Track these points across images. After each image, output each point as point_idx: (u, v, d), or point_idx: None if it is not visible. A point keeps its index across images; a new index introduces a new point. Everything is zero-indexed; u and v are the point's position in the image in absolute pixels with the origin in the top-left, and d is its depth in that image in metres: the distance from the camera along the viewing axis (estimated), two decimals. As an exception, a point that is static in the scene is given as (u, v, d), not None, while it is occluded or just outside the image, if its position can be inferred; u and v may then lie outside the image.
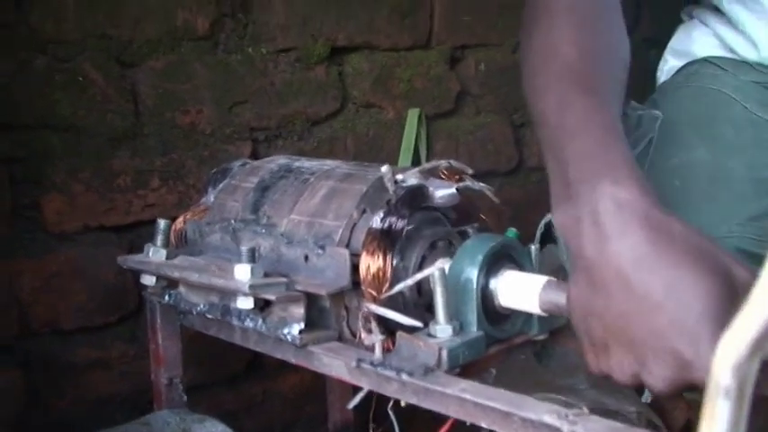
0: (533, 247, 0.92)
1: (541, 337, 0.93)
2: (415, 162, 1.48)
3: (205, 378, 1.28)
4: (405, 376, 0.77)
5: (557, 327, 0.94)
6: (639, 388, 0.68)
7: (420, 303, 0.89)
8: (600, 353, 0.68)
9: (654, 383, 0.63)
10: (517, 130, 1.66)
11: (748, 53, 1.10)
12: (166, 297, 0.99)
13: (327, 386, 1.31)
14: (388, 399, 0.85)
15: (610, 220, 0.64)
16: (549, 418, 0.67)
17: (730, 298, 0.61)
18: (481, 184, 0.95)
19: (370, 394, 0.87)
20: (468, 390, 0.74)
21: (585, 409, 0.68)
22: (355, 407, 0.87)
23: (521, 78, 0.86)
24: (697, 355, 0.59)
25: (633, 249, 0.62)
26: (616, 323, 0.64)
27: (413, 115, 1.47)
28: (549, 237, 1.08)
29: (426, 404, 0.78)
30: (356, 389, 0.87)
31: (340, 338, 0.89)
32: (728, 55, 1.14)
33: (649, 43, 1.79)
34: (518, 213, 1.63)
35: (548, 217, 1.06)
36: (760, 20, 1.07)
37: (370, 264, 0.85)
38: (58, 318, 1.14)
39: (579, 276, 0.68)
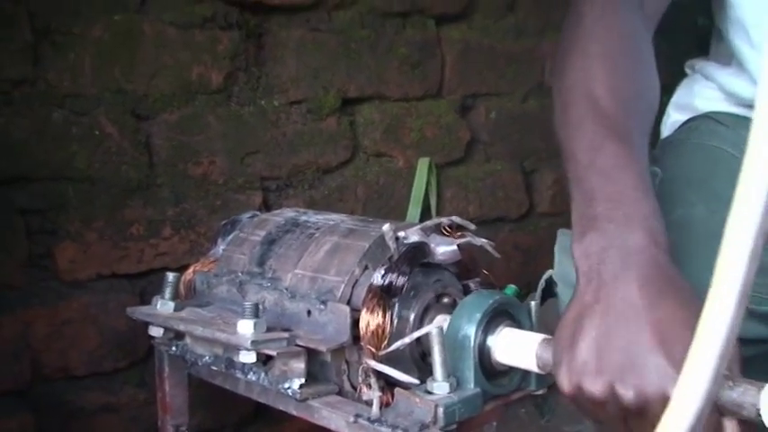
0: (533, 303, 0.94)
1: (540, 392, 0.94)
2: (425, 209, 1.50)
3: (212, 423, 1.30)
4: (400, 433, 0.79)
5: (555, 382, 0.95)
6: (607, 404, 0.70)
7: (420, 358, 0.91)
8: (576, 363, 0.70)
9: (624, 392, 0.66)
10: (527, 176, 1.68)
11: (749, 92, 1.12)
12: (173, 348, 1.01)
13: None
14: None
15: (636, 257, 0.71)
16: (538, 481, 0.69)
17: None
18: (483, 240, 0.97)
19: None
20: (461, 449, 0.76)
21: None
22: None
23: (552, 113, 0.90)
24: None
25: (645, 282, 0.69)
26: (607, 335, 0.68)
27: (423, 164, 1.49)
28: (549, 292, 1.09)
29: (421, 461, 0.79)
30: None
31: (340, 392, 0.90)
32: (730, 109, 1.15)
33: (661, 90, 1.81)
34: (528, 259, 1.65)
35: (548, 273, 1.08)
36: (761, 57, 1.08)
37: (370, 321, 0.87)
38: (69, 364, 1.16)
39: (585, 294, 0.72)
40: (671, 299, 0.69)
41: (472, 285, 0.99)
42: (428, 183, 1.50)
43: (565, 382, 0.72)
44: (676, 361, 0.64)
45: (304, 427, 1.39)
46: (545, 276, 1.07)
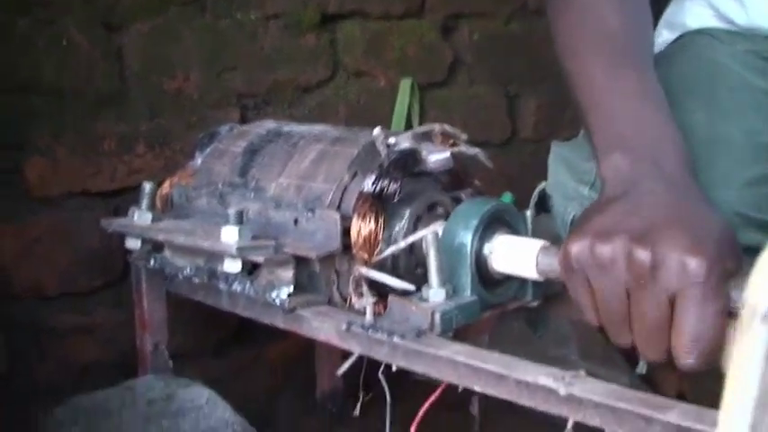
0: (528, 213, 0.90)
1: (535, 304, 0.91)
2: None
3: (191, 346, 1.26)
4: (396, 339, 0.76)
5: (551, 293, 0.92)
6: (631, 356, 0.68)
7: (412, 269, 0.87)
8: (594, 227, 0.68)
9: (641, 252, 0.64)
10: (511, 101, 1.64)
11: (738, 16, 1.09)
12: (152, 261, 0.97)
13: (316, 353, 1.30)
14: (378, 364, 0.83)
15: (667, 173, 0.71)
16: (546, 380, 0.66)
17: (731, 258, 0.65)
18: (475, 149, 0.94)
19: (360, 360, 0.85)
20: (461, 352, 0.73)
21: (582, 372, 0.67)
22: (344, 374, 0.85)
23: (553, 39, 0.90)
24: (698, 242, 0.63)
25: (673, 190, 0.70)
26: (628, 213, 0.67)
27: (405, 85, 1.44)
28: (542, 206, 1.06)
29: (417, 367, 0.76)
30: (345, 355, 0.85)
31: (330, 303, 0.87)
32: (722, 25, 1.12)
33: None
34: (511, 184, 1.61)
35: (542, 185, 1.04)
36: None
37: (362, 227, 0.83)
38: (40, 283, 1.12)
39: (610, 192, 0.71)
40: (696, 204, 0.69)
41: (464, 196, 0.95)
42: (410, 104, 1.45)
43: (575, 245, 0.68)
44: (695, 236, 0.63)
45: (285, 349, 1.37)
46: (539, 188, 1.04)
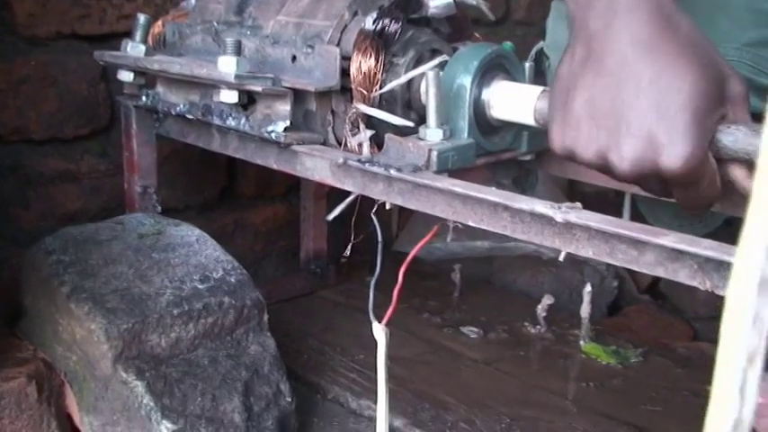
0: (528, 65, 0.90)
1: (528, 158, 0.91)
2: None
3: (176, 203, 1.25)
4: (393, 172, 0.76)
5: (544, 148, 0.92)
6: (601, 170, 0.67)
7: (410, 115, 0.87)
8: (570, 127, 0.67)
9: (618, 162, 0.64)
10: (507, -21, 1.61)
11: None
12: (143, 98, 0.95)
13: (301, 217, 1.30)
14: (365, 216, 0.83)
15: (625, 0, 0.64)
16: (542, 209, 0.66)
17: (718, 101, 0.64)
18: (478, -1, 0.92)
19: (348, 211, 0.85)
20: (457, 185, 0.73)
21: (579, 204, 0.67)
22: (329, 237, 0.85)
23: None
24: (670, 141, 0.62)
25: (638, 29, 0.64)
26: (599, 96, 0.65)
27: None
28: (539, 67, 1.05)
29: (413, 204, 0.77)
30: (333, 208, 0.85)
31: (324, 144, 0.86)
32: None
33: None
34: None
35: (540, 44, 1.03)
36: None
37: (362, 63, 0.82)
38: (26, 125, 1.10)
39: (577, 47, 0.68)
40: (666, 46, 0.64)
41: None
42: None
43: (557, 144, 0.69)
44: (670, 128, 0.62)
45: (269, 214, 1.37)
46: (535, 49, 1.03)
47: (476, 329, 1.14)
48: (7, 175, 1.10)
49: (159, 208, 1.05)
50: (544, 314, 1.16)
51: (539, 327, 1.16)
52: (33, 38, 1.09)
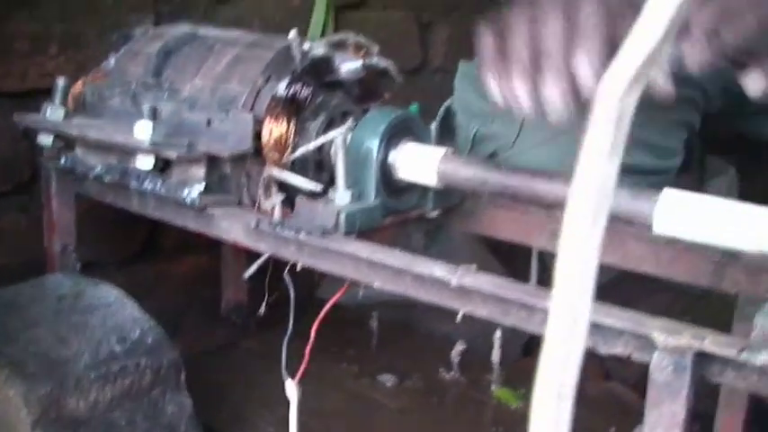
0: (433, 125, 0.95)
1: (435, 214, 0.96)
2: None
3: (98, 257, 1.27)
4: (303, 236, 0.79)
5: (451, 204, 0.97)
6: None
7: (321, 176, 0.91)
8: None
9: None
10: (424, 28, 1.67)
11: None
12: (63, 160, 0.97)
13: (222, 266, 1.32)
14: (283, 270, 0.87)
15: None
16: (440, 273, 0.71)
17: None
18: (387, 61, 0.97)
19: (265, 266, 0.89)
20: (363, 249, 0.77)
21: (474, 266, 0.72)
22: (250, 288, 0.88)
23: None
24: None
25: None
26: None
27: (320, 3, 1.46)
28: (446, 125, 1.10)
29: (323, 265, 0.80)
30: (254, 252, 0.88)
31: (239, 205, 0.90)
32: None
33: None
34: (421, 110, 1.65)
35: (448, 101, 1.09)
36: None
37: (273, 129, 0.85)
38: (-54, 184, 1.11)
39: None
40: None
41: (373, 108, 0.98)
42: (325, 24, 1.47)
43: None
44: None
45: (191, 266, 1.39)
46: (444, 105, 1.08)
47: (392, 377, 1.18)
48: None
49: (78, 265, 1.06)
50: (458, 359, 1.20)
51: (452, 372, 1.20)
52: (-48, 97, 1.11)
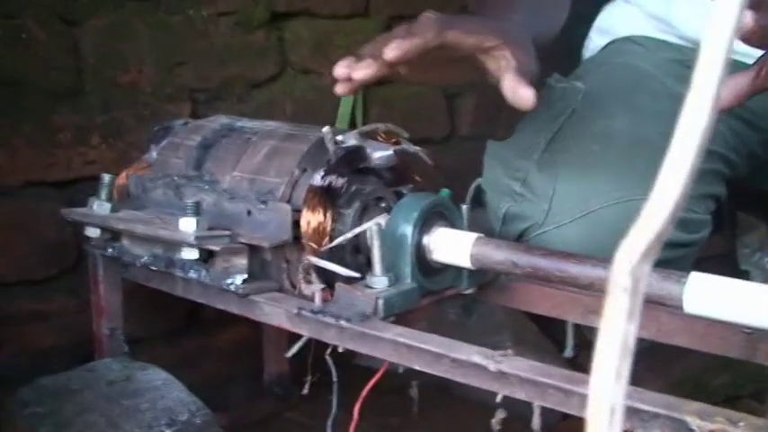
0: (464, 207, 0.98)
1: (470, 291, 0.99)
2: (352, 127, 1.52)
3: (142, 332, 1.31)
4: (343, 322, 0.82)
5: (485, 281, 1.00)
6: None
7: (358, 258, 0.94)
8: None
9: None
10: (450, 99, 1.71)
11: (666, 35, 1.18)
12: (110, 250, 1.02)
13: (264, 340, 1.35)
14: (324, 347, 0.90)
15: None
16: (478, 358, 0.73)
17: None
18: (416, 147, 1.01)
19: (307, 344, 0.92)
20: (402, 334, 0.80)
21: (510, 351, 0.74)
22: (292, 358, 0.92)
23: None
24: None
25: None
26: None
27: (350, 81, 1.51)
28: (478, 201, 1.14)
29: (363, 349, 0.83)
30: (293, 339, 0.92)
31: (280, 290, 0.93)
32: (648, 32, 1.21)
33: (578, 19, 1.86)
34: (450, 180, 1.68)
35: (478, 181, 1.12)
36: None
37: (311, 218, 0.89)
38: (-2, 271, 1.16)
39: None
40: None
41: (405, 191, 1.02)
42: (355, 101, 1.52)
43: None
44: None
45: (234, 337, 1.43)
46: (474, 184, 1.12)
47: (433, 448, 1.19)
48: (-21, 319, 1.16)
49: (126, 348, 1.10)
50: (498, 427, 1.22)
51: (493, 441, 1.21)
52: (2, 188, 1.16)
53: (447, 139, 1.73)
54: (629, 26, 1.25)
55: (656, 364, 1.36)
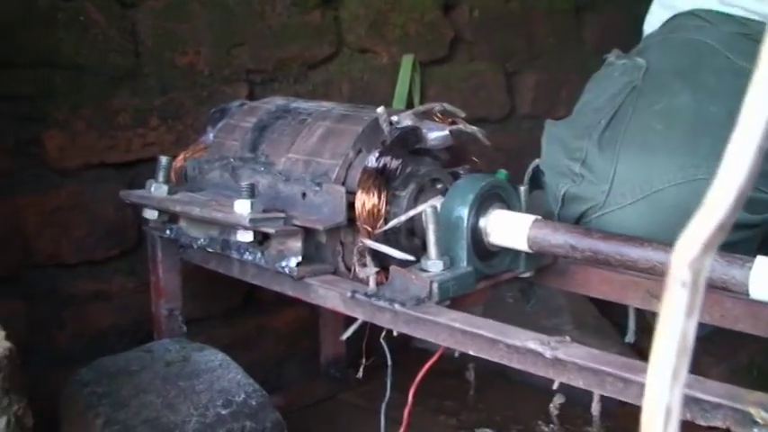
0: (522, 189, 0.96)
1: (528, 275, 0.97)
2: (409, 107, 1.51)
3: (201, 312, 1.32)
4: (397, 306, 0.82)
5: (543, 264, 0.98)
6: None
7: (413, 241, 0.93)
8: None
9: None
10: (510, 77, 1.69)
11: (731, 7, 1.14)
12: (167, 231, 1.02)
13: (321, 322, 1.36)
14: (380, 330, 0.90)
15: None
16: (533, 345, 0.72)
17: None
18: (473, 127, 0.99)
19: (362, 326, 0.91)
20: (457, 319, 0.79)
21: (567, 338, 0.73)
22: (347, 340, 0.92)
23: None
24: None
25: None
26: None
27: (407, 61, 1.49)
28: (536, 182, 1.11)
29: (417, 333, 0.82)
30: (349, 322, 0.91)
31: (335, 272, 0.93)
32: (712, 5, 1.17)
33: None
34: (509, 160, 1.66)
35: (536, 162, 1.10)
36: None
37: (366, 201, 0.88)
38: (60, 251, 1.17)
39: None
40: None
41: (461, 172, 1.00)
42: (412, 80, 1.50)
43: None
44: None
45: (291, 318, 1.43)
46: (532, 165, 1.10)
47: (491, 431, 1.18)
48: (43, 298, 1.18)
49: (185, 328, 1.11)
50: (557, 412, 1.20)
51: (552, 425, 1.20)
52: (64, 170, 1.17)
53: (507, 118, 1.70)
54: (692, 0, 1.21)
55: (720, 350, 1.33)
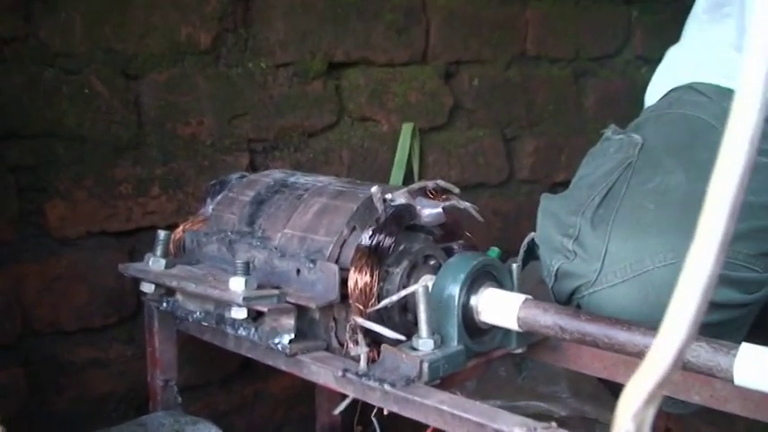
0: (515, 265, 0.97)
1: (520, 351, 0.98)
2: (408, 174, 1.53)
3: (199, 379, 1.33)
4: (387, 387, 0.82)
5: (535, 341, 0.98)
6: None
7: (406, 317, 0.94)
8: None
9: None
10: (508, 143, 1.71)
11: (733, 82, 1.15)
12: (164, 304, 1.04)
13: (317, 388, 1.36)
14: (372, 405, 0.90)
15: None
16: (519, 431, 0.72)
17: None
18: (466, 203, 1.00)
19: (355, 399, 0.92)
20: (445, 402, 0.79)
21: (554, 424, 0.73)
22: (342, 410, 0.93)
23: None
24: None
25: None
26: None
27: (407, 129, 1.52)
28: (531, 255, 1.13)
29: (407, 413, 0.83)
30: (343, 393, 0.92)
31: (328, 348, 0.94)
32: (712, 80, 1.19)
33: (641, 61, 1.84)
34: (507, 224, 1.68)
35: (531, 236, 1.11)
36: None
37: (358, 279, 0.89)
38: (59, 319, 1.19)
39: None
40: None
41: (455, 247, 1.02)
42: (411, 147, 1.53)
43: None
44: None
45: (288, 383, 1.44)
46: (527, 239, 1.11)
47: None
48: (42, 364, 1.19)
49: (179, 399, 1.11)
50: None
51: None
52: (64, 239, 1.19)
53: (505, 182, 1.72)
54: (692, 72, 1.23)
55: (718, 419, 1.33)
